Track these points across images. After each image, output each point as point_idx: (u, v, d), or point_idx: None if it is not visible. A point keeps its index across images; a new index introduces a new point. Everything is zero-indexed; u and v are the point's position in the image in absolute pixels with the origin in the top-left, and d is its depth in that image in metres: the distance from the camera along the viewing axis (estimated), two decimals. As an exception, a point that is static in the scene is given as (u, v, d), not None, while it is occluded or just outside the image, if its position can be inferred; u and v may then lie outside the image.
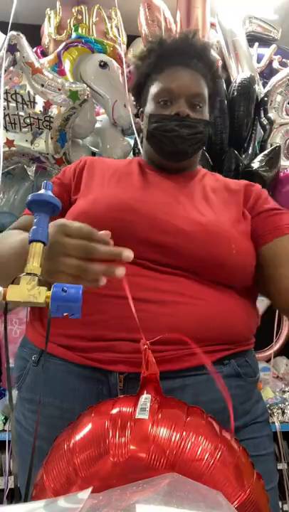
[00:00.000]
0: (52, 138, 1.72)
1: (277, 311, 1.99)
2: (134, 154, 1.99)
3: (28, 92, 1.68)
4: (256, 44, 2.35)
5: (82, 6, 2.28)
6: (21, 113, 1.68)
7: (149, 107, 0.85)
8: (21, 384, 0.72)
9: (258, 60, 2.34)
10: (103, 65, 1.88)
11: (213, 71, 0.87)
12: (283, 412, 1.94)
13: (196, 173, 0.89)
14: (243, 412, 0.68)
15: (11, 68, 1.67)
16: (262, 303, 1.60)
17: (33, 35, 2.11)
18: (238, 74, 2.07)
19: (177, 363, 0.63)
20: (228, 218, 0.75)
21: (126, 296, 0.59)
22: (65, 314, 0.48)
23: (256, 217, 0.80)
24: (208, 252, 0.68)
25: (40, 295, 0.46)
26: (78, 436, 0.48)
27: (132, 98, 0.97)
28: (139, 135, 1.68)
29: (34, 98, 1.68)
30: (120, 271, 0.51)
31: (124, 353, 0.62)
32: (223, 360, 0.68)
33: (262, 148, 2.07)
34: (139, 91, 0.91)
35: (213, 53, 0.89)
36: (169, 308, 0.64)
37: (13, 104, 1.67)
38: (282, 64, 2.39)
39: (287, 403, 1.99)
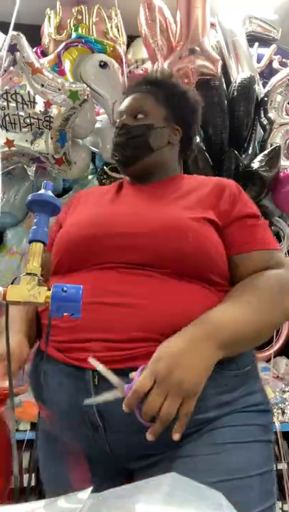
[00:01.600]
0: (52, 138, 1.72)
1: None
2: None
3: (28, 92, 1.68)
4: (256, 44, 2.35)
5: (82, 6, 2.28)
6: (21, 113, 1.68)
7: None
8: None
9: (258, 60, 2.34)
10: (103, 65, 1.88)
11: (168, 87, 0.96)
12: (283, 412, 1.94)
13: (172, 179, 0.93)
14: (217, 404, 0.68)
15: (11, 68, 1.67)
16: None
17: (33, 35, 2.11)
18: (238, 74, 2.08)
19: (145, 360, 0.64)
20: (190, 213, 0.78)
21: (99, 301, 0.70)
22: (65, 314, 0.48)
23: (234, 223, 0.81)
24: (166, 243, 0.74)
25: (40, 295, 0.46)
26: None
27: None
28: None
29: (34, 98, 1.68)
30: None
31: (96, 351, 0.67)
32: None
33: (262, 148, 2.07)
34: None
35: (174, 79, 0.99)
36: (136, 310, 0.69)
37: (13, 104, 1.67)
38: (282, 64, 2.39)
39: (287, 403, 1.98)
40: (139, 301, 0.70)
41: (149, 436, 0.59)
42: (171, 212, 0.79)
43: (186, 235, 0.74)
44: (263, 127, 2.12)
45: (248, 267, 0.78)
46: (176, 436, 0.59)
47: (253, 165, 1.93)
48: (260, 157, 1.95)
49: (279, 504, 1.80)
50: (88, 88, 1.77)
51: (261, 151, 2.04)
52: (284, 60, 2.42)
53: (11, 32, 1.39)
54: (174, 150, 0.97)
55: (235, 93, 1.98)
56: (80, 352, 0.69)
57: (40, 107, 1.69)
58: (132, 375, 0.61)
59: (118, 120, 0.94)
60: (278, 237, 2.08)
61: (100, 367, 0.62)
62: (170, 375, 0.59)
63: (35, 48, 2.05)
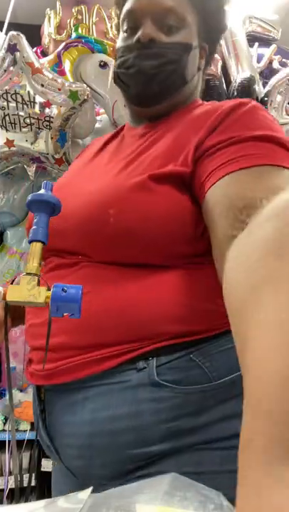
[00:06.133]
0: (52, 138, 1.72)
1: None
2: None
3: (28, 92, 1.68)
4: (256, 44, 2.35)
5: (82, 6, 2.29)
6: (21, 113, 1.68)
7: (118, 41, 0.66)
8: None
9: (258, 60, 2.34)
10: (103, 65, 1.88)
11: None
12: None
13: (175, 115, 0.62)
14: (169, 433, 0.49)
15: (11, 68, 1.67)
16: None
17: (33, 35, 2.11)
18: (238, 74, 2.07)
19: (79, 371, 0.53)
20: (133, 174, 0.54)
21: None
22: (65, 314, 0.48)
23: (199, 161, 0.52)
24: (88, 227, 0.54)
25: (40, 295, 0.46)
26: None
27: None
28: None
29: (34, 98, 1.69)
30: None
31: (36, 364, 0.59)
32: (134, 362, 0.51)
33: (262, 148, 2.07)
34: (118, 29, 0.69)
35: None
36: None
37: (13, 104, 1.67)
38: (282, 64, 2.39)
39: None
40: None
41: None
42: (109, 179, 0.56)
43: (106, 214, 0.52)
44: (263, 127, 2.12)
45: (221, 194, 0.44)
46: None
47: (253, 165, 1.93)
48: (260, 157, 1.95)
49: None
50: (88, 88, 1.77)
51: (261, 151, 2.04)
52: (284, 60, 2.42)
53: (7, 32, 1.39)
54: (200, 77, 0.67)
55: (235, 93, 1.98)
56: (30, 365, 0.65)
57: (40, 106, 1.69)
58: None
59: (128, 25, 0.61)
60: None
61: None
62: None
63: (35, 48, 2.05)
